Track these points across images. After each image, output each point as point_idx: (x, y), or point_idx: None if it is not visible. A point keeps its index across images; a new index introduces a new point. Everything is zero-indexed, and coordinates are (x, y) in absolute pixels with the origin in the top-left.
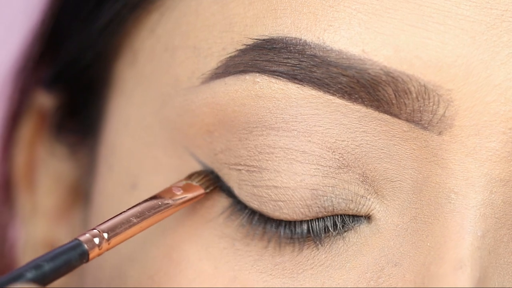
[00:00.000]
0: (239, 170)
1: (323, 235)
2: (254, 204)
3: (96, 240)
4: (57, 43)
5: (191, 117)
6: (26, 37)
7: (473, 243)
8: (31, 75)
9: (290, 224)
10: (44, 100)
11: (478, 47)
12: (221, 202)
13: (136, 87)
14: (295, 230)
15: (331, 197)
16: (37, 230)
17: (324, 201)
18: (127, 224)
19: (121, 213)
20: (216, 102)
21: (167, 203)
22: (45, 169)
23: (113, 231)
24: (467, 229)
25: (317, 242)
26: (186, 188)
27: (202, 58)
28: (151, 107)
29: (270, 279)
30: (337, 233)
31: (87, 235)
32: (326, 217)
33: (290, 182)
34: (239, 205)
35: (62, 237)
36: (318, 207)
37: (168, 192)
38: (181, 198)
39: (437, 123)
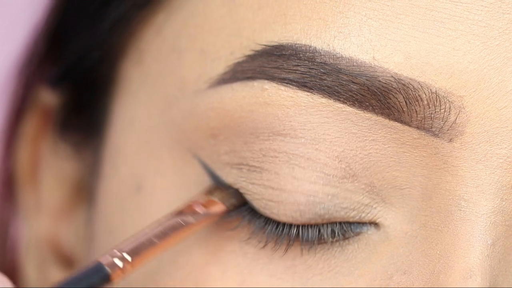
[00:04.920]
0: (240, 169)
1: (315, 241)
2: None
3: (119, 263)
4: (63, 40)
5: (196, 121)
6: (31, 33)
7: (483, 251)
8: (35, 72)
9: (278, 225)
10: (49, 98)
11: (489, 53)
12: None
13: (141, 87)
14: (282, 232)
15: (329, 205)
16: (41, 228)
17: (320, 208)
18: (149, 245)
19: (141, 233)
20: (223, 107)
21: (188, 221)
22: (49, 167)
23: (135, 253)
24: (477, 237)
25: (305, 248)
26: (207, 205)
27: (209, 61)
28: (156, 108)
29: (280, 283)
30: (335, 241)
31: (109, 257)
32: (322, 224)
33: (287, 185)
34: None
35: (65, 235)
36: (313, 214)
37: (188, 208)
38: (203, 215)
39: (448, 130)
